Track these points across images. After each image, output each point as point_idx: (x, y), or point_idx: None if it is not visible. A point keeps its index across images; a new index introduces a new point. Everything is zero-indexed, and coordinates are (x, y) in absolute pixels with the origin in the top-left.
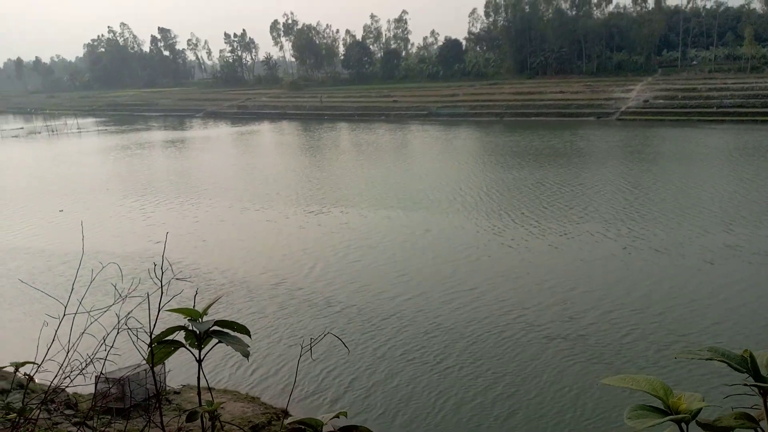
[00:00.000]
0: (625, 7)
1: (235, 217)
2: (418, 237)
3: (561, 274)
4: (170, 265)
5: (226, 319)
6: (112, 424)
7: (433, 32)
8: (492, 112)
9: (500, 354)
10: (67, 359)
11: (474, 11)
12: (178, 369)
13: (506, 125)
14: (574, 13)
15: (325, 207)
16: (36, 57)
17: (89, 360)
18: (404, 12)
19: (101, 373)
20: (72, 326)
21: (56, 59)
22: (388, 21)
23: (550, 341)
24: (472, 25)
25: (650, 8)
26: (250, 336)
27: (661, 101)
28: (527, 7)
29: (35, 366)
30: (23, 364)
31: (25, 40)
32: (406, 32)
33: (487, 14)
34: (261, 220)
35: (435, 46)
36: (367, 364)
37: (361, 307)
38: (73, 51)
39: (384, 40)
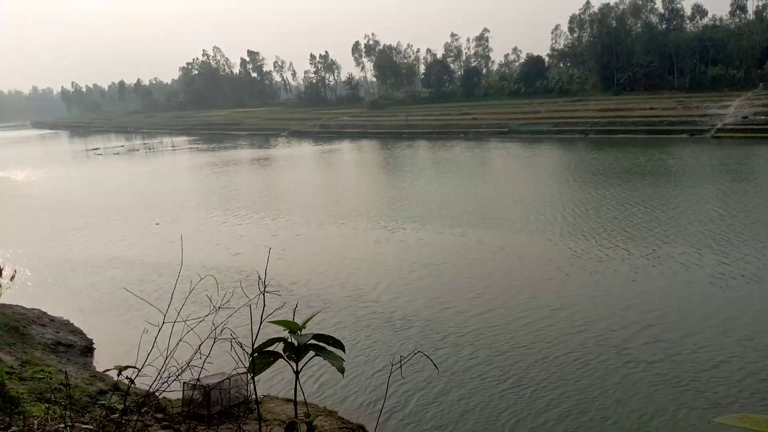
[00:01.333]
0: (721, 19)
1: (313, 232)
2: (494, 255)
3: (646, 296)
4: (260, 278)
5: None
6: (197, 430)
7: (515, 49)
8: (576, 129)
9: (581, 377)
10: (165, 365)
11: (557, 27)
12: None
13: (591, 143)
14: (664, 26)
15: (400, 223)
16: (137, 79)
17: (185, 367)
18: (485, 30)
19: (197, 380)
20: (171, 334)
21: (154, 82)
22: (468, 39)
23: (636, 365)
24: (555, 41)
25: (750, 19)
26: (344, 351)
27: (762, 117)
28: (614, 21)
29: (135, 370)
30: (125, 368)
31: (128, 65)
32: (486, 50)
33: (571, 30)
34: (339, 235)
35: (516, 63)
36: (445, 382)
37: (438, 323)
38: (169, 74)
39: (464, 58)
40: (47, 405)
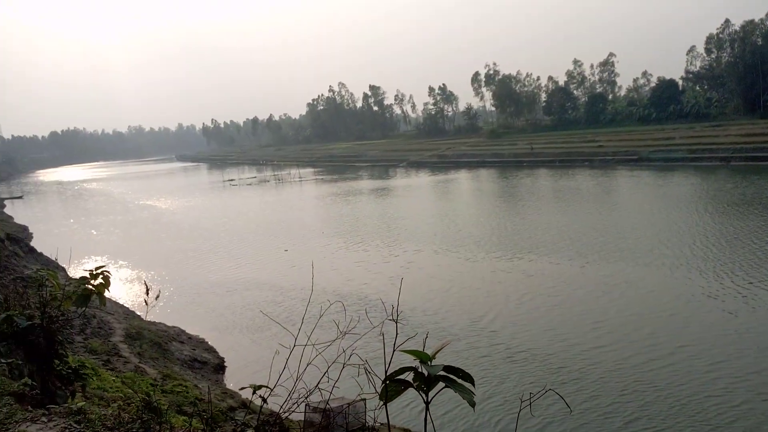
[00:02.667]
0: None
1: (431, 260)
2: (615, 288)
3: None
4: (383, 304)
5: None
6: None
7: (644, 73)
8: (715, 156)
9: (726, 424)
10: (294, 387)
11: (692, 48)
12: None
13: (733, 170)
14: None
15: (519, 253)
16: (269, 115)
17: (312, 389)
18: (611, 54)
19: (320, 403)
20: (301, 357)
21: (284, 117)
22: (592, 66)
23: None
24: (690, 63)
25: None
26: (474, 384)
27: None
28: (759, 39)
29: (268, 390)
30: (259, 387)
31: (261, 102)
32: (612, 75)
33: (708, 51)
34: (456, 264)
35: (646, 88)
36: (576, 421)
37: (561, 358)
38: (298, 109)
39: (588, 84)
40: (187, 417)
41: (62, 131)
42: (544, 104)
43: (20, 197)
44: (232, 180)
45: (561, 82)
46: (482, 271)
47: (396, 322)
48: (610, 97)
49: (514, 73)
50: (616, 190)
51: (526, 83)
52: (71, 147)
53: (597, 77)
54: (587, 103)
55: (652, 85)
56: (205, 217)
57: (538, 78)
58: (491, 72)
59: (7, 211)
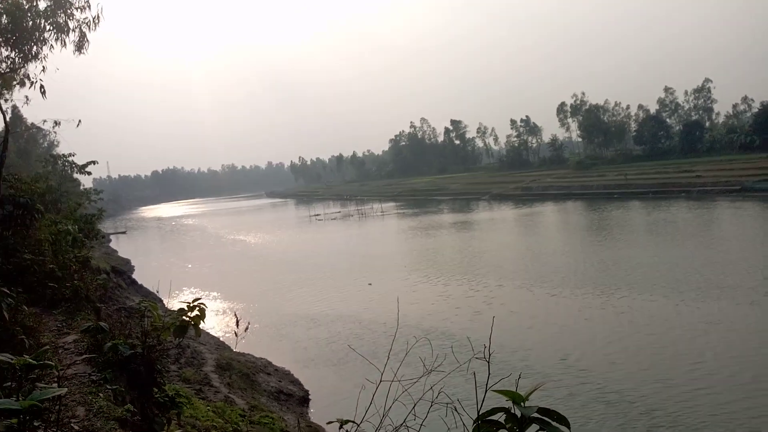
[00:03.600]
0: None
1: (516, 295)
2: (715, 328)
3: None
4: (470, 342)
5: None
6: None
7: (744, 98)
8: None
9: None
10: (381, 424)
11: None
12: None
13: None
14: None
15: (610, 289)
16: (353, 152)
17: (399, 426)
18: (707, 80)
19: None
20: (387, 393)
21: (367, 153)
22: (686, 92)
23: None
24: None
25: None
26: (569, 427)
27: None
28: None
29: (355, 425)
30: (346, 422)
31: (347, 140)
32: (709, 101)
33: None
34: (540, 300)
35: (747, 114)
36: None
37: (658, 402)
38: (380, 146)
39: (682, 111)
40: None
41: (162, 170)
42: (634, 134)
43: (124, 232)
44: (317, 215)
45: (652, 111)
46: (569, 307)
47: (488, 362)
48: (707, 124)
49: (601, 103)
50: (716, 223)
51: (615, 112)
52: (170, 185)
53: (692, 104)
54: (682, 132)
55: (755, 110)
56: (291, 251)
57: (628, 107)
58: (577, 102)
59: (113, 245)
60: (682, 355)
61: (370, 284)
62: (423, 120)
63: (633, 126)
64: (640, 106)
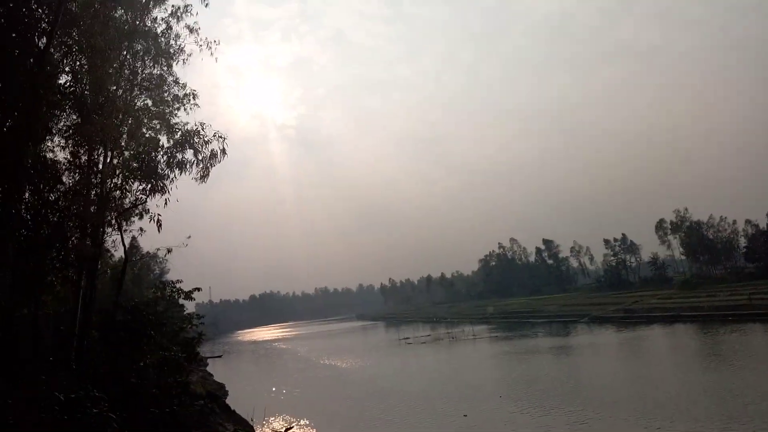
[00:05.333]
0: None
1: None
2: None
3: None
4: None
5: None
6: None
7: None
8: None
9: None
10: None
11: None
12: None
13: None
14: None
15: (741, 426)
16: (441, 273)
17: None
18: None
19: None
20: None
21: (456, 274)
22: None
23: None
24: None
25: None
26: None
27: None
28: None
29: None
30: None
31: (435, 261)
32: None
33: None
34: None
35: None
36: None
37: None
38: (469, 266)
39: None
40: None
41: (260, 295)
42: (744, 250)
43: (220, 356)
44: (407, 338)
45: (762, 225)
46: None
47: None
48: None
49: (704, 218)
50: None
51: (720, 228)
52: (267, 308)
53: None
54: None
55: None
56: (381, 376)
57: (734, 222)
58: (678, 218)
59: (209, 368)
60: None
61: (465, 416)
62: (512, 240)
63: (742, 242)
64: (748, 221)
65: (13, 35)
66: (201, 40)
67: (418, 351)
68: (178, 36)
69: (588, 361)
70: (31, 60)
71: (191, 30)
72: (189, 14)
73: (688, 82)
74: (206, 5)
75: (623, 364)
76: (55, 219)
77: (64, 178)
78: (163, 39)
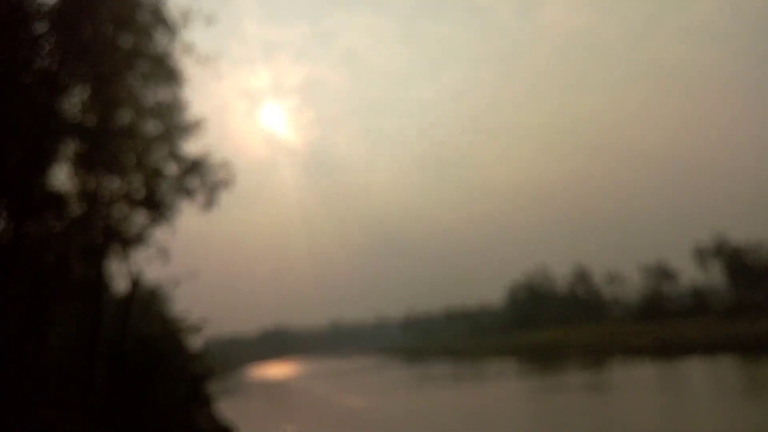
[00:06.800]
0: None
1: None
2: None
3: None
4: None
5: None
6: None
7: None
8: None
9: None
10: None
11: None
12: None
13: None
14: None
15: None
16: (463, 303)
17: None
18: None
19: None
20: None
21: (480, 304)
22: None
23: None
24: None
25: None
26: None
27: None
28: None
29: None
30: None
31: (455, 289)
32: None
33: None
34: None
35: None
36: None
37: None
38: (492, 295)
39: None
40: None
41: (270, 327)
42: None
43: (229, 393)
44: (427, 375)
45: None
46: None
47: None
48: None
49: (743, 240)
50: None
51: (760, 252)
52: (277, 342)
53: None
54: None
55: None
56: (399, 418)
57: None
58: (718, 244)
59: (218, 406)
60: None
61: None
62: (540, 267)
63: None
64: None
65: (22, 60)
66: (202, 58)
67: (439, 390)
68: (180, 59)
69: (624, 398)
70: (39, 86)
71: (187, 49)
72: (187, 30)
73: (717, 99)
74: (209, 23)
75: (664, 403)
76: (61, 249)
77: (70, 208)
78: (167, 61)
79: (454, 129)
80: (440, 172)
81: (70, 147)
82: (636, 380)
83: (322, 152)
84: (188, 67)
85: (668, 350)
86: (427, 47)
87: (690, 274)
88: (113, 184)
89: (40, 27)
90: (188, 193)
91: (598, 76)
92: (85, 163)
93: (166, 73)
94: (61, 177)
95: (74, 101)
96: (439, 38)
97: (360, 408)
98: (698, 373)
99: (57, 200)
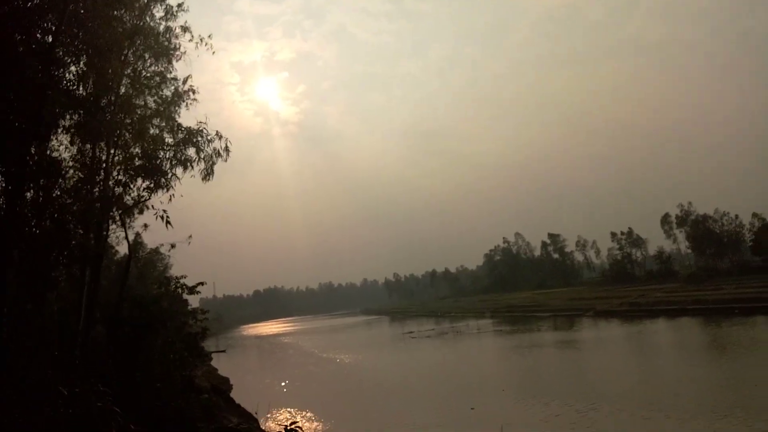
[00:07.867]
0: None
1: (635, 424)
2: None
3: None
4: None
5: None
6: None
7: None
8: None
9: None
10: None
11: None
12: None
13: None
14: None
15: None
16: (446, 268)
17: None
18: None
19: None
20: None
21: (460, 269)
22: None
23: None
24: None
25: None
26: None
27: None
28: None
29: None
30: None
31: (439, 255)
32: None
33: None
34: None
35: None
36: None
37: None
38: (474, 261)
39: None
40: None
41: (263, 290)
42: (750, 244)
43: (224, 351)
44: (411, 332)
45: None
46: None
47: None
48: None
49: (710, 211)
50: None
51: (725, 222)
52: (271, 303)
53: None
54: None
55: None
56: (385, 371)
57: (737, 216)
58: (683, 212)
59: (214, 363)
60: None
61: (472, 409)
62: (517, 234)
63: (748, 236)
64: (755, 215)
65: (18, 33)
66: (196, 36)
67: (423, 345)
68: (176, 35)
69: (591, 355)
70: (37, 58)
71: (185, 29)
72: (183, 12)
73: (694, 75)
74: None
75: (625, 358)
76: (58, 216)
77: (68, 176)
78: (163, 37)
79: (439, 102)
80: (426, 143)
81: (68, 117)
82: (602, 339)
83: (314, 124)
84: (184, 42)
85: (636, 312)
86: (414, 24)
87: (658, 241)
88: (111, 152)
89: None
90: (185, 162)
91: (578, 53)
92: (82, 133)
93: (162, 46)
94: (60, 148)
95: (71, 73)
96: (426, 16)
97: (348, 361)
98: (663, 334)
99: (55, 168)
